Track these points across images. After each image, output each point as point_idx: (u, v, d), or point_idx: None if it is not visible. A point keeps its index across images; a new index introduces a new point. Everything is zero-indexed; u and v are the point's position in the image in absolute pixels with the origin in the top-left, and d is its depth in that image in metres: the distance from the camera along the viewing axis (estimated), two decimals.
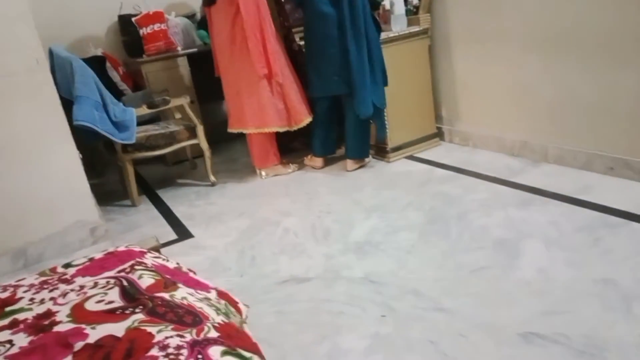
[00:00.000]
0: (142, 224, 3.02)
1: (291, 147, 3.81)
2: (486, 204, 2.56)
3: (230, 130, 3.40)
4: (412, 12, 3.38)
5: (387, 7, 3.27)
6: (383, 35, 3.19)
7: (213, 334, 0.95)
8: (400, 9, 3.25)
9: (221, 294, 1.21)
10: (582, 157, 2.74)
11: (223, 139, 4.01)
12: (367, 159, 3.41)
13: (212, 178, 3.46)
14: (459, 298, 1.87)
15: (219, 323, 1.02)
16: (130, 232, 2.93)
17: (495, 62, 3.08)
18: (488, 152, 3.29)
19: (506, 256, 2.08)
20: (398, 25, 3.26)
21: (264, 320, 1.92)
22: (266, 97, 3.21)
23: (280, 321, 1.90)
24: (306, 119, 3.34)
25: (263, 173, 3.47)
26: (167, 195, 3.43)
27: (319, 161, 3.49)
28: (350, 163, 3.35)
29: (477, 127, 3.36)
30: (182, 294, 1.04)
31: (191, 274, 1.24)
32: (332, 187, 3.15)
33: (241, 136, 3.45)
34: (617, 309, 1.68)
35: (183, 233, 2.81)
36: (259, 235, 2.64)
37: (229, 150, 4.17)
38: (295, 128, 3.35)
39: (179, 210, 3.14)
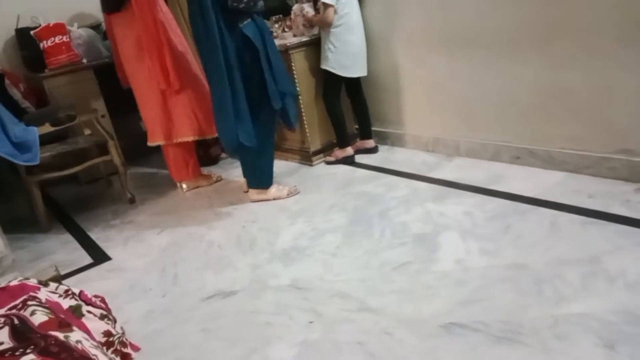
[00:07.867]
0: (54, 250, 2.83)
1: (213, 156, 3.72)
2: (405, 201, 2.62)
3: (150, 144, 3.23)
4: None
5: (297, 12, 3.28)
6: (295, 40, 3.19)
7: None
8: (309, 13, 3.26)
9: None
10: (491, 149, 2.88)
11: (141, 153, 3.85)
12: (272, 189, 2.96)
13: (129, 195, 3.30)
14: (384, 296, 1.90)
15: None
16: (40, 260, 2.73)
17: (406, 62, 3.17)
18: (406, 149, 3.37)
19: (426, 250, 2.14)
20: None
21: (190, 339, 1.86)
22: (179, 106, 3.08)
23: (207, 339, 1.85)
24: None
25: (184, 186, 3.36)
26: (81, 217, 3.23)
27: None
28: (251, 192, 2.98)
29: (394, 126, 3.44)
30: (77, 337, 0.97)
31: (83, 319, 1.15)
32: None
33: (160, 148, 3.31)
34: (529, 292, 1.76)
35: (99, 256, 2.66)
36: (181, 252, 2.55)
37: (148, 164, 4.01)
38: (210, 137, 3.23)
39: (94, 232, 2.97)
